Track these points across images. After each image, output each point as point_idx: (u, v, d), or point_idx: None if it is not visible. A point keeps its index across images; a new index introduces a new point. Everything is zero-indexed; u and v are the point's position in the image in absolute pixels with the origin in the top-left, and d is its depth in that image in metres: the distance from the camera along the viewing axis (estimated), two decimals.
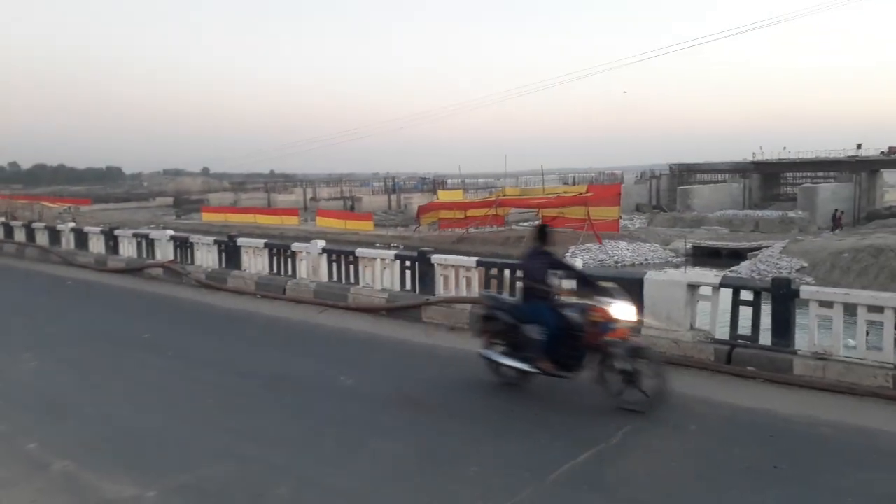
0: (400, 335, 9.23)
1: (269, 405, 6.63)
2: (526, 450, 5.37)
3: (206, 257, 13.84)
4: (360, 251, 11.31)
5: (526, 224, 40.43)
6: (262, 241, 13.07)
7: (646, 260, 33.13)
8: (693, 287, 7.69)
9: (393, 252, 10.99)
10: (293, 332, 9.80)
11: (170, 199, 75.45)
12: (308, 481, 4.95)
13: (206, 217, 52.88)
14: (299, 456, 5.39)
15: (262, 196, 69.59)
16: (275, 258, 12.63)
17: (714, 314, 7.66)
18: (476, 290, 9.59)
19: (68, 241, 17.44)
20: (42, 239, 18.30)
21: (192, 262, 14.09)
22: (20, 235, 19.15)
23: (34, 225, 19.16)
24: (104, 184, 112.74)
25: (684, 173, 69.25)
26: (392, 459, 5.31)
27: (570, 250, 30.23)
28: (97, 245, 16.57)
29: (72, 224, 18.00)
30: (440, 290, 10.04)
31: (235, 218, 50.49)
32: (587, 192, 39.20)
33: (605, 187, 48.66)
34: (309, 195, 68.88)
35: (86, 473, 5.05)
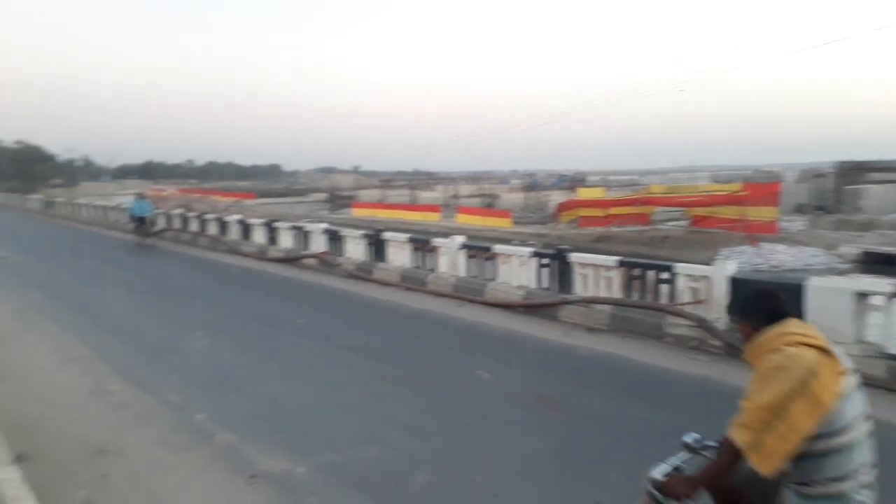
0: (536, 332, 9.21)
1: (411, 393, 6.88)
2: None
3: (355, 249, 14.61)
4: (497, 247, 11.41)
5: (673, 224, 38.65)
6: (405, 236, 13.57)
7: (807, 265, 30.38)
8: (863, 295, 6.99)
9: (529, 249, 10.98)
10: (434, 323, 10.09)
11: (323, 195, 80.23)
12: (446, 471, 5.08)
13: (356, 212, 55.56)
14: (438, 446, 5.56)
15: (407, 193, 72.03)
16: (417, 252, 13.08)
17: (889, 326, 6.92)
18: (617, 291, 9.36)
19: (234, 232, 19.15)
20: (212, 229, 20.24)
21: (343, 254, 14.93)
22: (194, 226, 21.31)
23: (205, 216, 21.23)
24: (266, 180, 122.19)
25: (853, 172, 62.64)
26: (530, 457, 5.31)
27: (722, 253, 28.51)
28: (259, 236, 18.05)
29: (238, 216, 19.74)
30: (578, 290, 9.90)
31: (382, 213, 52.63)
32: (742, 191, 36.78)
33: (762, 186, 45.17)
34: (450, 192, 70.35)
35: (244, 445, 5.54)
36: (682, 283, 8.54)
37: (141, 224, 21.20)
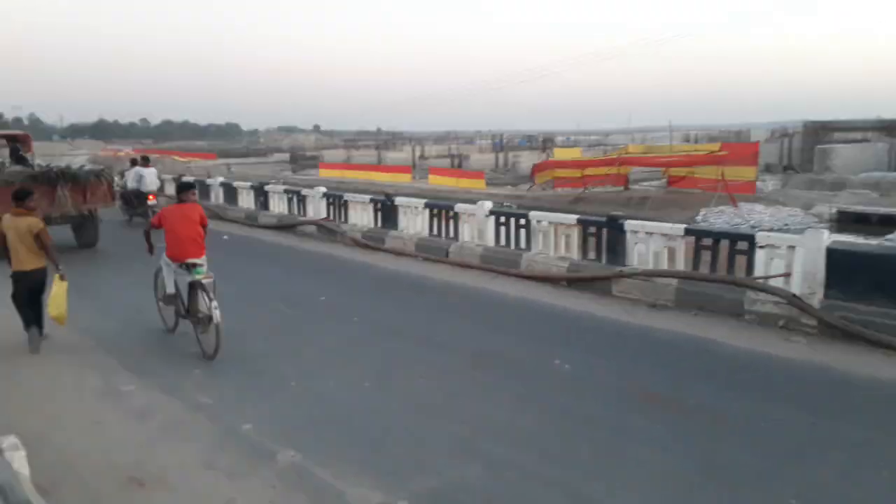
0: (593, 310, 8.27)
1: (487, 389, 5.87)
2: (843, 478, 4.30)
3: (362, 216, 13.38)
4: (533, 214, 10.37)
5: (650, 184, 38.20)
6: (421, 201, 12.40)
7: (785, 225, 30.40)
8: None
9: (574, 217, 9.98)
10: (472, 300, 9.04)
11: (286, 156, 77.43)
12: (578, 497, 4.13)
13: (323, 173, 53.62)
14: (551, 460, 4.57)
15: (373, 153, 70.03)
16: (435, 219, 11.96)
17: None
18: (681, 263, 8.46)
19: (217, 196, 17.64)
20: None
21: (346, 221, 13.70)
22: (171, 190, 19.64)
23: (184, 179, 19.56)
24: (224, 139, 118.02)
25: (820, 131, 63.15)
26: (668, 473, 4.37)
27: (702, 213, 28.17)
28: (247, 200, 16.61)
29: (221, 179, 18.19)
30: (633, 261, 8.97)
31: (351, 174, 50.84)
32: (721, 151, 36.45)
33: (741, 146, 45.05)
34: (417, 153, 68.68)
35: (316, 469, 4.45)
36: (762, 254, 7.67)
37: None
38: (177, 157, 56.29)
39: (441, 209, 11.94)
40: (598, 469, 4.47)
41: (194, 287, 6.81)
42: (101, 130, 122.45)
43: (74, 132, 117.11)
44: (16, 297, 6.87)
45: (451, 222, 11.61)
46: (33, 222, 6.83)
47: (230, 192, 17.23)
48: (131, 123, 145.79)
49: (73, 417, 5.34)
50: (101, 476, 4.40)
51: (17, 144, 14.85)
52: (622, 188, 39.07)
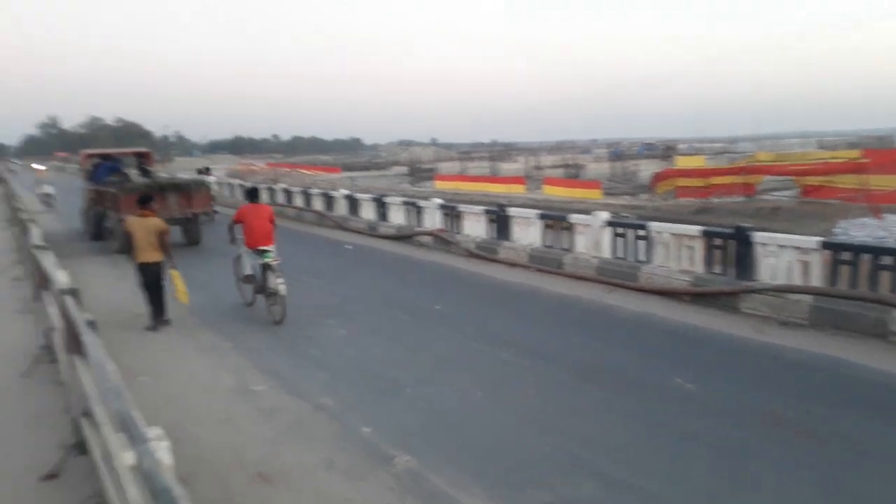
0: (717, 327, 7.87)
1: (601, 405, 5.74)
2: None
3: (475, 227, 13.52)
4: (653, 225, 10.03)
5: (781, 195, 35.70)
6: (534, 212, 12.35)
7: None
8: None
9: (699, 228, 9.54)
10: (586, 313, 8.88)
11: (404, 168, 79.69)
12: None
13: (440, 185, 54.57)
14: (670, 482, 4.39)
15: (487, 165, 70.41)
16: (548, 230, 11.86)
17: None
18: (817, 279, 7.86)
19: (342, 207, 18.46)
20: (318, 204, 19.66)
21: (460, 232, 13.89)
22: (299, 201, 20.82)
23: (310, 191, 20.67)
24: (347, 153, 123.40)
25: None
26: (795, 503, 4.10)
27: (840, 225, 25.95)
28: (368, 211, 17.26)
29: (345, 191, 19.03)
30: (762, 276, 8.44)
31: (465, 186, 51.40)
32: (862, 158, 33.46)
33: (885, 152, 41.27)
34: (532, 163, 68.24)
35: (431, 475, 4.54)
36: None
37: None
38: (304, 171, 59.55)
39: (555, 219, 11.82)
40: (720, 496, 4.25)
41: (265, 268, 8.52)
42: (238, 146, 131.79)
43: (214, 148, 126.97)
44: (142, 285, 8.28)
45: (566, 233, 11.47)
46: (158, 223, 8.27)
47: (353, 204, 17.97)
48: (264, 139, 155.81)
49: (208, 413, 5.77)
50: (232, 470, 4.72)
51: (142, 160, 17.74)
52: (750, 198, 36.91)
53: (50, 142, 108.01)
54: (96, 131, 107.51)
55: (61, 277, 5.47)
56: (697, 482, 4.40)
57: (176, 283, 8.26)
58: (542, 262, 11.52)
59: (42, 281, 7.15)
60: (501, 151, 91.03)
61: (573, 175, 58.19)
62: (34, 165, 55.18)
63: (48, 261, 6.58)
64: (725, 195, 36.37)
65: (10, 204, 20.68)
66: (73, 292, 4.52)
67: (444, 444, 5.06)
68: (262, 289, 8.66)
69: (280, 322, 8.31)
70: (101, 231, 15.85)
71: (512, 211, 12.77)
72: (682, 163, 50.33)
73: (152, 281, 8.26)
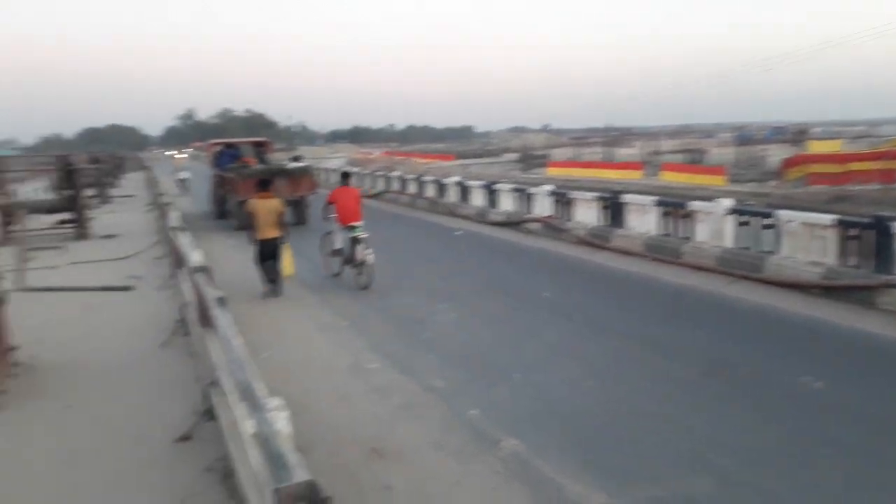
0: (850, 323, 7.27)
1: (719, 401, 5.47)
2: None
3: (586, 214, 13.25)
4: (782, 213, 9.39)
5: None
6: (651, 198, 11.92)
7: None
8: None
9: (832, 217, 8.83)
10: (705, 304, 8.49)
11: (515, 155, 79.24)
12: None
13: (552, 171, 53.83)
14: (793, 483, 4.14)
15: (601, 150, 68.57)
16: (666, 217, 11.41)
17: None
18: None
19: (453, 194, 18.70)
20: (430, 191, 20.02)
21: (571, 219, 13.67)
22: (412, 188, 21.30)
23: (423, 178, 21.08)
24: (459, 141, 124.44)
25: None
26: None
27: None
28: (478, 198, 17.37)
29: (456, 178, 19.25)
30: None
31: (578, 172, 50.24)
32: None
33: None
34: (650, 148, 65.64)
35: (538, 461, 4.52)
36: None
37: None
38: (418, 159, 60.67)
39: (673, 207, 11.35)
40: (851, 500, 3.95)
41: (354, 241, 9.69)
42: (356, 135, 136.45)
43: (334, 137, 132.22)
44: (258, 258, 9.28)
45: (685, 221, 10.99)
46: (277, 204, 9.31)
47: (463, 191, 18.15)
48: (380, 129, 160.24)
49: (325, 390, 6.05)
50: (347, 445, 4.93)
51: (261, 148, 19.57)
52: (888, 185, 33.64)
53: (188, 132, 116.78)
54: (227, 122, 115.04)
55: (195, 257, 5.95)
56: (823, 487, 4.12)
57: (285, 257, 9.37)
58: (659, 250, 11.11)
59: (178, 259, 7.80)
60: (617, 136, 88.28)
61: (694, 160, 55.48)
62: (171, 153, 60.34)
63: (184, 241, 7.14)
64: (863, 182, 33.39)
65: (152, 189, 22.57)
66: (205, 270, 4.88)
67: (552, 431, 5.03)
68: (351, 259, 9.83)
69: (367, 288, 9.54)
70: (223, 211, 17.72)
71: (626, 197, 12.40)
72: (816, 147, 46.61)
73: (270, 255, 9.23)
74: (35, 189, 18.27)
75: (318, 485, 1.95)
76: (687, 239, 10.84)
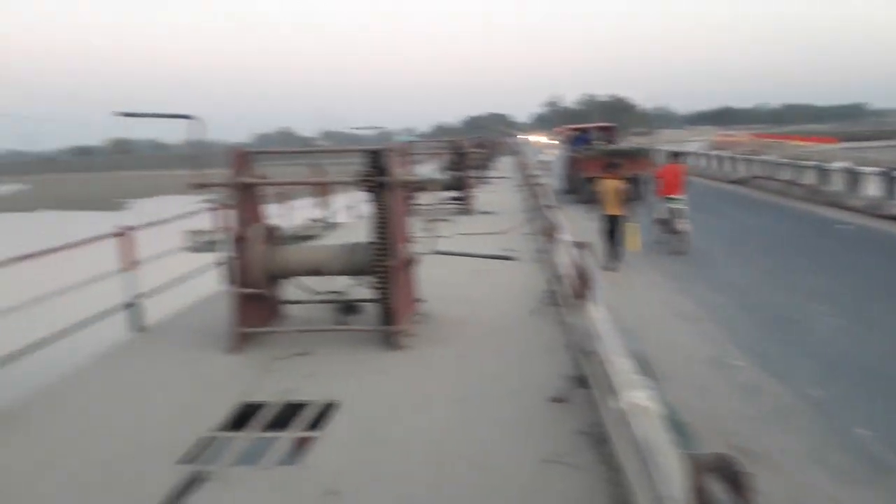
0: None
1: None
2: None
3: None
4: None
5: None
6: None
7: None
8: None
9: None
10: None
11: None
12: None
13: None
14: None
15: None
16: None
17: None
18: None
19: (837, 182, 16.32)
20: (809, 178, 17.78)
21: None
22: (785, 174, 19.20)
23: (800, 163, 18.83)
24: (846, 121, 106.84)
25: None
26: None
27: None
28: (871, 187, 14.84)
29: (843, 164, 16.72)
30: None
31: None
32: None
33: None
34: None
35: None
36: None
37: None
38: (794, 142, 53.93)
39: None
40: None
41: (673, 212, 11.16)
42: (721, 116, 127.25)
43: (697, 119, 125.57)
44: (603, 232, 10.31)
45: None
46: (618, 184, 10.39)
47: (851, 178, 15.69)
48: (749, 109, 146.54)
49: (684, 378, 5.90)
50: (709, 436, 4.79)
51: (606, 133, 22.33)
52: None
53: (552, 118, 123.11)
54: (589, 107, 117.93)
55: (567, 235, 6.35)
56: None
57: (630, 233, 10.42)
58: None
59: (549, 235, 8.41)
60: None
61: None
62: (529, 138, 64.38)
63: (558, 218, 7.68)
64: None
65: (523, 172, 24.49)
66: (584, 245, 5.21)
67: None
68: (671, 229, 11.13)
69: (683, 254, 10.79)
70: (573, 188, 19.41)
71: None
72: None
73: (611, 229, 10.24)
74: (431, 170, 21.38)
75: (733, 458, 1.96)
76: None
